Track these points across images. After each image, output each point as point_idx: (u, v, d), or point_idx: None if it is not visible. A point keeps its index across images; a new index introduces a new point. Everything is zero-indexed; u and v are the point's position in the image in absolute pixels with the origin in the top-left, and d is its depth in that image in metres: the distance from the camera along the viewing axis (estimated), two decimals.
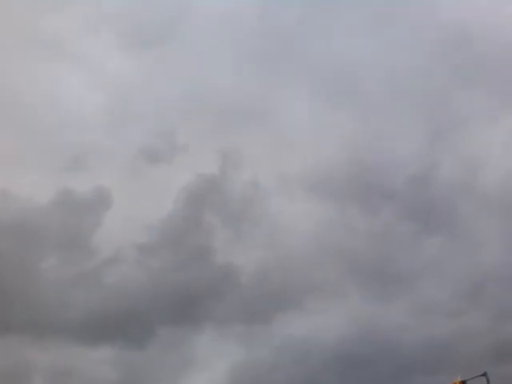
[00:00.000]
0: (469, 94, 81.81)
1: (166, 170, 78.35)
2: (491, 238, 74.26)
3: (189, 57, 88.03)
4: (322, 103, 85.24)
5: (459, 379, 46.74)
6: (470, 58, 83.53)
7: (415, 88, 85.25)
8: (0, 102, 79.04)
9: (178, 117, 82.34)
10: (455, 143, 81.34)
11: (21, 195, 70.18)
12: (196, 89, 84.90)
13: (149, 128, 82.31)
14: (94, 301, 67.93)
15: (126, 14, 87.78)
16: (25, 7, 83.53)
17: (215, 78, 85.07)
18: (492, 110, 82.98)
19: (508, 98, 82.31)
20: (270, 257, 74.76)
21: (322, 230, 76.32)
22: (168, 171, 77.74)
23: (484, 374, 46.09)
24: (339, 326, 70.21)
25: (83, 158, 78.54)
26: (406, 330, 69.03)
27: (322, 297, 72.13)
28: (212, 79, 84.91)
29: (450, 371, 50.40)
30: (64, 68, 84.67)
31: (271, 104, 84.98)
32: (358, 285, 74.23)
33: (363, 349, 68.38)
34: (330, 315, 70.93)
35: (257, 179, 77.95)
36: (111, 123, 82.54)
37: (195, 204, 76.39)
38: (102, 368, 66.98)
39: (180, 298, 70.86)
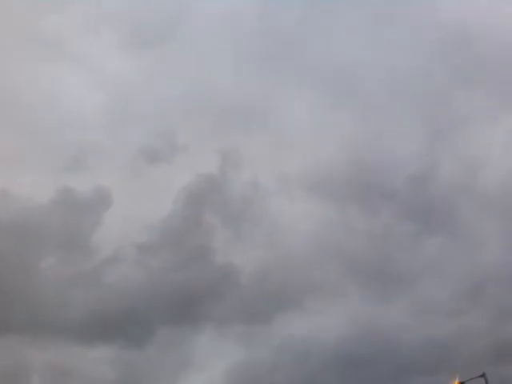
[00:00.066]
0: (469, 94, 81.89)
1: (165, 169, 78.44)
2: (491, 238, 74.35)
3: (189, 57, 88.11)
4: (322, 103, 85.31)
5: (458, 380, 46.88)
6: (469, 57, 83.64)
7: (415, 88, 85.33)
8: (0, 102, 79.19)
9: (178, 117, 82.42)
10: (455, 143, 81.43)
11: (21, 195, 70.24)
12: (196, 89, 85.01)
13: (149, 128, 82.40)
14: (93, 300, 67.97)
15: (126, 14, 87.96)
16: (25, 7, 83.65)
17: (215, 77, 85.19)
18: (492, 110, 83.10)
19: (508, 97, 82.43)
20: (270, 257, 74.84)
21: (321, 230, 76.41)
22: (168, 171, 77.82)
23: (483, 375, 46.15)
24: (339, 326, 70.26)
25: (83, 158, 78.67)
26: (406, 330, 69.09)
27: (322, 297, 72.21)
28: (212, 79, 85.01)
29: (449, 371, 50.56)
30: (64, 68, 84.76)
31: (271, 104, 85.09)
32: (357, 285, 74.31)
33: (363, 349, 68.45)
34: (330, 315, 70.99)
35: (257, 179, 78.05)
36: (111, 123, 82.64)
37: (195, 204, 76.45)
38: (101, 368, 67.07)
39: (180, 297, 70.91)
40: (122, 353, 68.50)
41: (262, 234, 76.87)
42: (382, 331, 69.17)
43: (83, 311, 67.06)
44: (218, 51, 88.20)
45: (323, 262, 74.94)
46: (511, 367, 61.43)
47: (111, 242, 70.39)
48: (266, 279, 73.26)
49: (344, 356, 68.64)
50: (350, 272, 75.14)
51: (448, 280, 72.44)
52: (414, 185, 78.79)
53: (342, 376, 68.07)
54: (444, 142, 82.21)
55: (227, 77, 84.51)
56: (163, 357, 69.11)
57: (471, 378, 46.43)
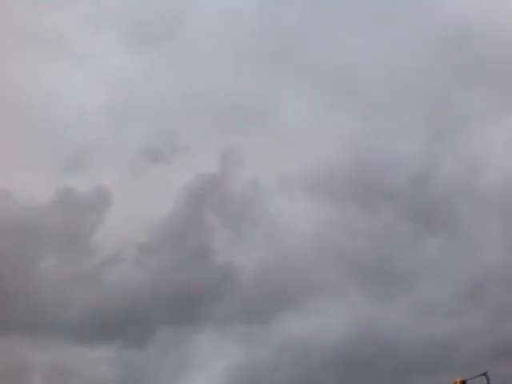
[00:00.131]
0: (469, 94, 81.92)
1: (166, 169, 78.37)
2: (492, 238, 74.39)
3: (189, 56, 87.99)
4: (322, 103, 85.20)
5: (459, 379, 46.93)
6: (470, 57, 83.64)
7: (415, 88, 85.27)
8: (0, 102, 79.10)
9: (178, 116, 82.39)
10: (455, 143, 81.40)
11: (21, 194, 70.28)
12: (196, 88, 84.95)
13: (149, 128, 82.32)
14: (93, 300, 68.01)
15: (126, 13, 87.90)
16: (25, 6, 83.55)
17: (215, 77, 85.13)
18: (492, 110, 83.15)
19: (508, 97, 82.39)
20: (270, 257, 74.83)
21: (322, 230, 76.38)
22: (168, 171, 77.78)
23: (484, 374, 46.17)
24: (339, 326, 70.28)
25: (83, 158, 78.74)
26: (406, 330, 69.12)
27: (322, 297, 72.20)
28: (212, 79, 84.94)
29: (450, 371, 50.73)
30: (64, 67, 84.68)
31: (271, 104, 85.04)
32: (358, 285, 74.32)
33: (363, 349, 68.49)
34: (330, 315, 71.00)
35: (257, 179, 78.04)
36: (112, 123, 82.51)
37: (195, 204, 76.44)
38: (101, 368, 67.11)
39: (180, 297, 70.89)
40: (122, 353, 68.64)
41: (262, 234, 77.01)
42: (382, 331, 69.37)
43: (83, 311, 67.21)
44: (218, 51, 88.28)
45: (323, 262, 75.08)
46: (511, 367, 61.53)
47: (111, 242, 70.61)
48: (266, 279, 73.41)
49: (344, 356, 68.82)
50: (350, 272, 75.30)
51: (448, 280, 72.60)
52: (414, 185, 78.94)
53: (342, 376, 68.24)
54: (444, 142, 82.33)
55: (227, 77, 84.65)
56: (163, 357, 69.18)
57: (473, 377, 46.56)
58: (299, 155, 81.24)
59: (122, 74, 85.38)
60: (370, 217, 78.07)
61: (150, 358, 68.30)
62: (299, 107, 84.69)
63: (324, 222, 76.64)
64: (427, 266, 73.92)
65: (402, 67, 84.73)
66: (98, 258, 71.03)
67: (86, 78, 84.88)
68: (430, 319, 69.69)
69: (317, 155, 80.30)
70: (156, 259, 72.66)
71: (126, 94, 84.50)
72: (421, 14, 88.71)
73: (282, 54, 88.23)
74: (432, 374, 62.49)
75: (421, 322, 69.56)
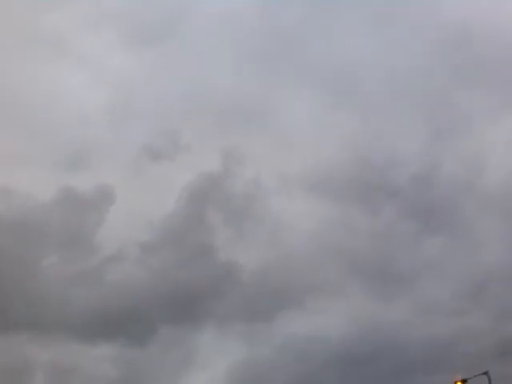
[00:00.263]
0: (469, 94, 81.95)
1: (168, 168, 78.21)
2: (493, 237, 74.46)
3: (189, 56, 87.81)
4: (322, 103, 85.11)
5: (460, 378, 47.06)
6: (470, 57, 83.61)
7: (415, 88, 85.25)
8: (0, 102, 78.98)
9: (180, 115, 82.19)
10: (456, 143, 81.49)
11: (22, 193, 70.17)
12: (196, 88, 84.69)
13: (151, 126, 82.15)
14: (95, 299, 67.92)
15: (126, 13, 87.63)
16: (25, 6, 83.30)
17: (215, 77, 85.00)
18: (492, 110, 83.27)
19: (508, 97, 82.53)
20: (272, 255, 74.90)
21: (323, 230, 76.49)
22: (170, 169, 77.68)
23: (486, 373, 46.31)
24: (340, 325, 70.39)
25: (85, 156, 78.50)
26: (407, 330, 69.21)
27: (324, 296, 72.28)
28: (212, 79, 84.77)
29: (451, 370, 50.84)
30: (64, 67, 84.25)
31: (271, 104, 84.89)
32: (359, 284, 74.48)
33: (364, 348, 68.71)
34: (331, 314, 71.11)
35: (259, 178, 78.07)
36: (113, 121, 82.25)
37: (197, 202, 76.41)
38: (103, 366, 67.09)
39: (181, 296, 70.90)
40: (123, 351, 68.67)
41: (264, 233, 77.00)
42: (383, 330, 69.51)
43: (85, 309, 67.06)
44: (218, 51, 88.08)
45: (324, 261, 75.17)
46: None
47: (113, 241, 70.39)
48: (268, 278, 73.41)
49: (345, 355, 68.92)
50: (351, 271, 75.43)
51: (449, 279, 72.71)
52: (415, 184, 78.99)
53: (344, 375, 68.39)
54: (444, 141, 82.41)
55: (227, 77, 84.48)
56: (165, 355, 69.23)
57: (474, 376, 46.70)
58: (299, 155, 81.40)
59: (122, 74, 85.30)
60: (370, 216, 78.34)
61: (151, 356, 68.37)
62: (299, 107, 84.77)
63: (325, 221, 76.85)
64: (428, 265, 74.16)
65: (402, 67, 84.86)
66: (100, 257, 71.00)
67: (86, 78, 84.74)
68: (431, 319, 69.95)
69: (317, 155, 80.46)
70: (158, 258, 72.72)
71: (126, 93, 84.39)
72: (421, 14, 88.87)
73: (281, 53, 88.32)
74: (433, 374, 62.76)
75: (422, 321, 69.83)
